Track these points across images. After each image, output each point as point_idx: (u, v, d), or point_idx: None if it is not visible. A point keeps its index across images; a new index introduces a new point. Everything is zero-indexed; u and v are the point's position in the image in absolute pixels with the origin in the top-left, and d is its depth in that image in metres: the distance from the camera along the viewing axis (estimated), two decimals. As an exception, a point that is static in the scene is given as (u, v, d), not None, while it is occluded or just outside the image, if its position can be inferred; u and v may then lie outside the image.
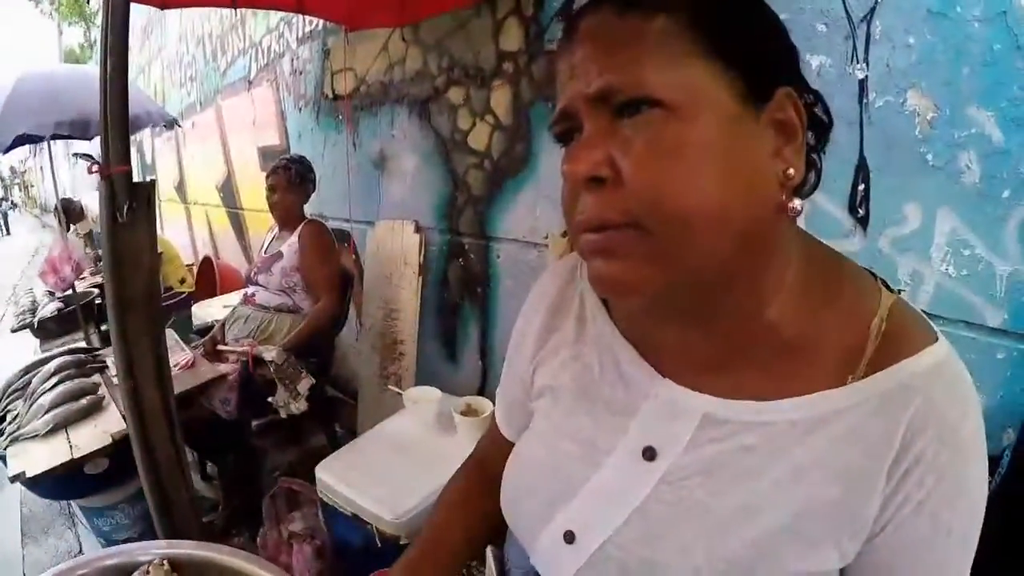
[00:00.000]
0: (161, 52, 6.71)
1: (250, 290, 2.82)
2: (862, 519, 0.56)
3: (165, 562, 0.93)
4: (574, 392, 0.74)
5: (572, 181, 0.55)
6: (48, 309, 4.58)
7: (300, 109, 3.80)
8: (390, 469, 1.84)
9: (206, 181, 5.76)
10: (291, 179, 2.76)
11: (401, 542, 1.63)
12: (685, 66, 0.52)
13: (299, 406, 2.33)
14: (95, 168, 1.49)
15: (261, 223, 4.38)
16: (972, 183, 1.21)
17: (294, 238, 2.74)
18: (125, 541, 1.32)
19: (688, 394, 0.64)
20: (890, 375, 0.56)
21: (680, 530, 0.61)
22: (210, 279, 4.67)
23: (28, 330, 4.64)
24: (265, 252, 2.89)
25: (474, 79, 2.42)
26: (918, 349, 0.56)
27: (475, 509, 0.95)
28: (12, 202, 35.72)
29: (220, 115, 5.16)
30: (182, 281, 4.51)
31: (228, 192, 5.22)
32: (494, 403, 1.99)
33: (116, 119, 1.46)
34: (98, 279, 5.01)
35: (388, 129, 2.98)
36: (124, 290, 1.56)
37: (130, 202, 1.49)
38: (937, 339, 0.57)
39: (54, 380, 2.41)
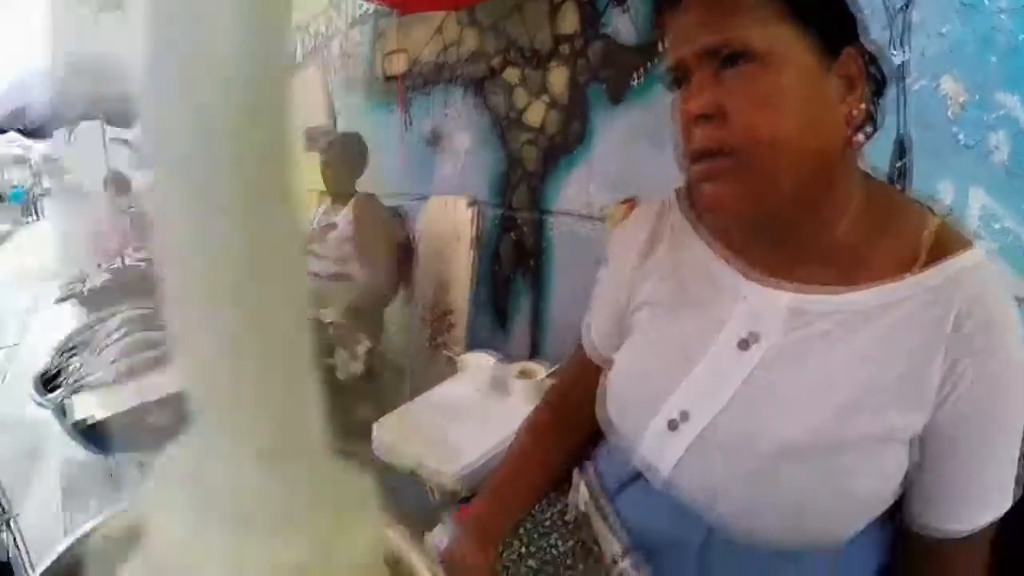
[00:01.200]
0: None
1: (302, 260, 2.98)
2: (925, 392, 0.70)
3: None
4: (671, 303, 0.88)
5: (686, 117, 0.72)
6: (97, 279, 4.82)
7: (350, 91, 3.96)
8: (447, 428, 1.94)
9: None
10: (346, 154, 2.96)
11: (462, 496, 1.71)
12: (775, 27, 0.68)
13: (357, 366, 2.49)
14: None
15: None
16: (1001, 162, 1.35)
17: (348, 210, 2.91)
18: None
19: (774, 292, 0.78)
20: (940, 270, 0.70)
21: (773, 408, 0.74)
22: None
23: (74, 300, 4.88)
24: (316, 225, 3.05)
25: (530, 60, 2.57)
26: (963, 251, 0.71)
27: (553, 443, 1.07)
28: (45, 188, 36.22)
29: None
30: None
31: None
32: (548, 368, 2.12)
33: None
34: (145, 254, 5.24)
35: (441, 108, 3.14)
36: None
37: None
38: (975, 247, 0.72)
39: (120, 332, 2.57)
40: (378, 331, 3.05)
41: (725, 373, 0.78)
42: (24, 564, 2.16)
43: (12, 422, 4.33)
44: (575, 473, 1.06)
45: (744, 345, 0.78)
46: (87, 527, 0.76)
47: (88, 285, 4.73)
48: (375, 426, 1.99)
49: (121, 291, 4.54)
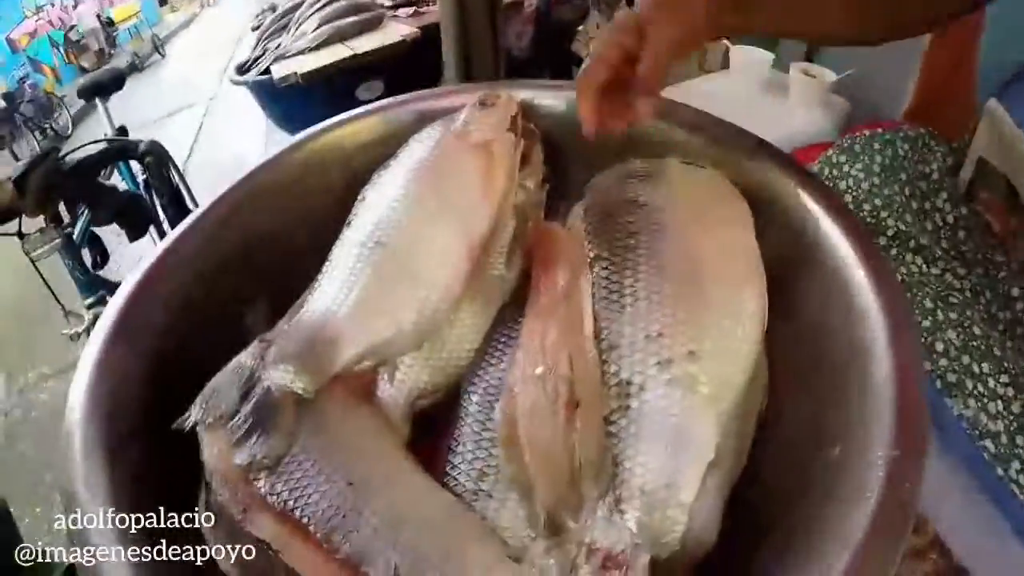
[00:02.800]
0: None
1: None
2: None
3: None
4: None
5: None
6: (288, 2, 4.74)
7: None
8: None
9: None
10: None
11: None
12: None
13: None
14: None
15: None
16: None
17: None
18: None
19: None
20: None
21: None
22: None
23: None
24: None
25: None
26: None
27: None
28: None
29: None
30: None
31: None
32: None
33: None
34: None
35: None
36: None
37: None
38: None
39: (323, 1, 2.36)
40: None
41: None
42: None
43: (212, 161, 4.49)
44: (989, 109, 0.76)
45: None
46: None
47: (280, 8, 4.68)
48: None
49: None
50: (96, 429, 0.48)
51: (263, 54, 2.42)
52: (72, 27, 9.77)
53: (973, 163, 0.79)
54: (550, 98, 0.77)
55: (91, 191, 1.52)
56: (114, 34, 10.96)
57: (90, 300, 1.60)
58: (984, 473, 0.63)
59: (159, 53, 10.52)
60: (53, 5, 9.70)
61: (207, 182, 3.88)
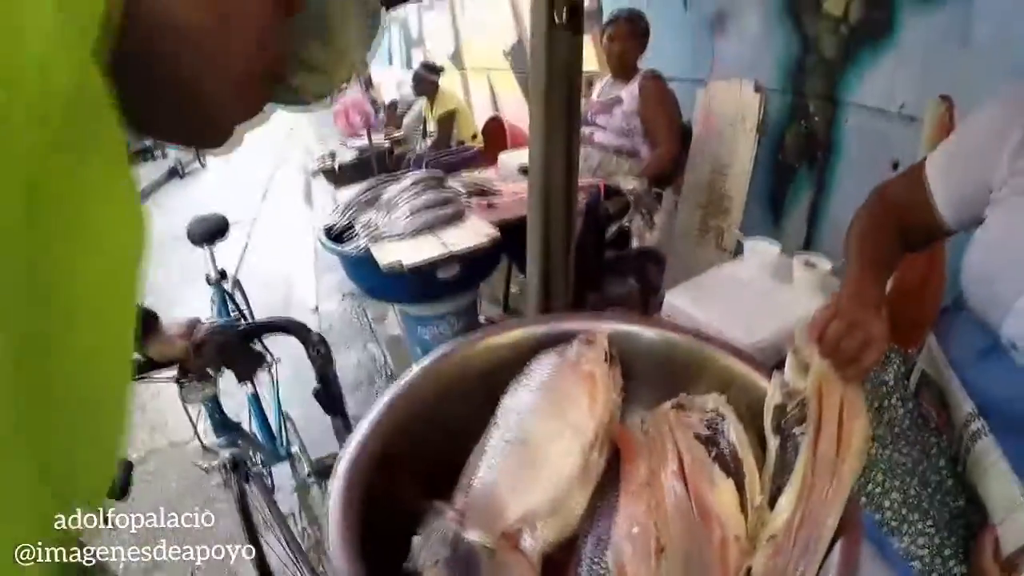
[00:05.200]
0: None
1: (587, 130, 3.08)
2: None
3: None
4: None
5: None
6: (346, 156, 5.30)
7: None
8: (737, 302, 2.03)
9: (490, 47, 6.06)
10: (633, 30, 3.00)
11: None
12: None
13: (652, 236, 2.58)
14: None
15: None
16: None
17: (633, 86, 2.98)
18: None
19: None
20: None
21: None
22: (497, 137, 4.83)
23: (324, 176, 5.42)
24: (598, 98, 3.15)
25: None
26: None
27: (881, 238, 1.09)
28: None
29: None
30: (474, 137, 4.93)
31: (519, 56, 5.49)
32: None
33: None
34: (388, 135, 5.68)
35: (726, -10, 3.03)
36: (550, 92, 1.70)
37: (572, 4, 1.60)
38: None
39: (415, 189, 2.75)
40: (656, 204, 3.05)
41: None
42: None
43: (261, 281, 4.84)
44: (929, 338, 1.08)
45: None
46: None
47: (338, 161, 5.22)
48: (668, 294, 2.11)
49: (364, 169, 4.94)
50: (346, 550, 0.75)
51: (350, 224, 2.79)
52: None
53: (919, 373, 1.10)
54: (623, 328, 1.12)
55: (246, 356, 1.68)
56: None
57: (222, 440, 1.93)
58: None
59: (199, 162, 11.29)
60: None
61: (259, 304, 4.22)
